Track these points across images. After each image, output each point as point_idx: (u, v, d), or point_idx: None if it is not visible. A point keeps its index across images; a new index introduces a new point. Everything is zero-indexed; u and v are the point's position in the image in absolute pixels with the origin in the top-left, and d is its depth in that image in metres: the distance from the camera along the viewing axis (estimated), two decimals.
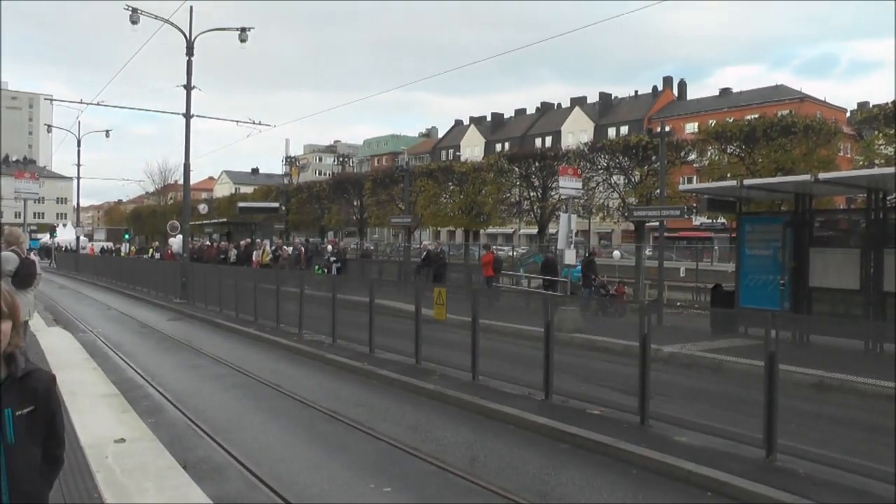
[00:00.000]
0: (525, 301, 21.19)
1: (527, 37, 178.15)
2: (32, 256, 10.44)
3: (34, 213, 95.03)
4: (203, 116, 42.82)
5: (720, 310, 16.46)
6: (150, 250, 51.27)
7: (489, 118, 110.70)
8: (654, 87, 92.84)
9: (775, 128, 24.90)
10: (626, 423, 8.58)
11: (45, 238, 76.50)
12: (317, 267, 30.16)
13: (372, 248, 45.52)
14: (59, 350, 14.17)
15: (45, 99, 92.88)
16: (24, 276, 9.83)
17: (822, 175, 14.99)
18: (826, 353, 9.86)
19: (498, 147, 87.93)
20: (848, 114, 65.41)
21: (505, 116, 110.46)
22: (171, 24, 26.57)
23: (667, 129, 24.06)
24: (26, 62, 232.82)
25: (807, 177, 14.86)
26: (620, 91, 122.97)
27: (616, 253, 45.25)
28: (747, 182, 16.24)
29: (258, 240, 35.83)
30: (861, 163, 26.01)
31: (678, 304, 24.18)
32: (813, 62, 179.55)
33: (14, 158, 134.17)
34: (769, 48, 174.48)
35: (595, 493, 6.84)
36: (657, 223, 23.62)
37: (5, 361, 2.59)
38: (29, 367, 2.64)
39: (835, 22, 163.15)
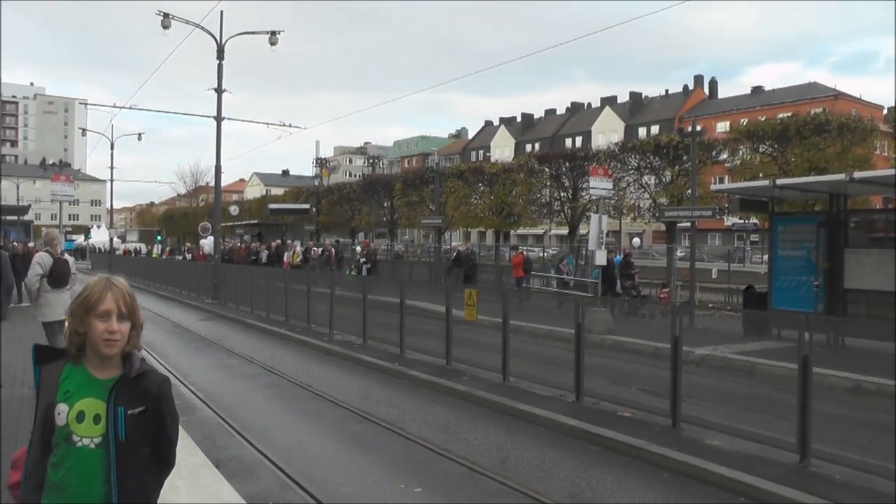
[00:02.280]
0: (556, 302, 21.16)
1: (558, 37, 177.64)
2: (66, 257, 10.64)
3: (69, 216, 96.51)
4: (234, 119, 43.22)
5: (753, 311, 16.28)
6: (183, 252, 51.78)
7: (519, 119, 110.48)
8: (685, 86, 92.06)
9: (808, 126, 24.59)
10: (658, 426, 8.52)
11: (79, 239, 77.56)
12: (347, 270, 30.26)
13: (402, 249, 45.39)
14: None
15: (80, 103, 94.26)
16: (57, 276, 10.05)
17: (858, 174, 14.77)
18: (862, 356, 9.71)
19: (528, 147, 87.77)
20: (885, 111, 64.36)
21: (535, 117, 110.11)
22: (202, 28, 26.83)
23: (698, 128, 23.84)
24: (62, 66, 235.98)
25: (841, 176, 14.64)
26: (652, 90, 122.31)
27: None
28: (780, 182, 16.04)
29: (289, 241, 36.09)
30: None
31: (710, 305, 23.96)
32: (850, 59, 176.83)
33: (50, 162, 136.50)
34: (804, 45, 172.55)
35: (626, 495, 6.79)
36: (688, 224, 23.44)
37: (122, 360, 2.69)
38: (143, 367, 2.72)
39: (872, 17, 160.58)
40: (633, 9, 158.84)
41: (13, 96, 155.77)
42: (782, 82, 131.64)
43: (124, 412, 2.62)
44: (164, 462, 2.79)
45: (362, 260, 30.65)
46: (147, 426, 2.68)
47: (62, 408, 2.60)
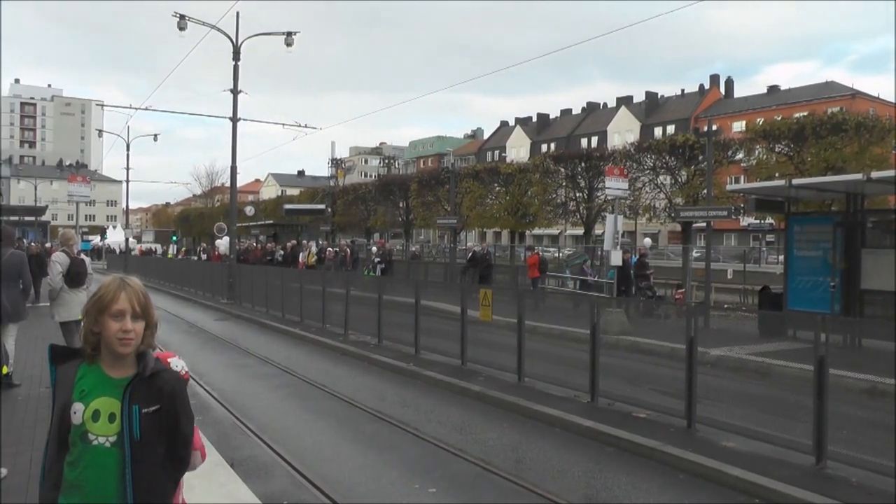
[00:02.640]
0: (571, 303, 21.12)
1: (575, 36, 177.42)
2: (83, 257, 10.74)
3: (86, 216, 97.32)
4: (250, 120, 43.62)
5: (768, 312, 16.20)
6: (199, 252, 52.03)
7: (535, 119, 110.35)
8: (701, 86, 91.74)
9: (825, 126, 24.38)
10: (673, 427, 8.50)
11: (95, 239, 78.05)
12: (366, 270, 30.31)
13: (418, 249, 45.17)
14: None
15: (97, 105, 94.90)
16: (74, 275, 10.15)
17: (875, 174, 14.64)
18: (879, 357, 9.63)
19: (544, 148, 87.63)
20: None
21: (550, 117, 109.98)
22: (219, 29, 26.96)
23: (714, 128, 23.71)
24: (79, 68, 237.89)
25: (859, 176, 14.53)
26: (668, 90, 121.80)
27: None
28: (796, 182, 15.93)
29: (304, 241, 36.20)
30: None
31: (725, 306, 23.83)
32: (868, 57, 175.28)
33: (67, 163, 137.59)
34: (821, 44, 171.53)
35: (641, 496, 6.78)
36: (704, 224, 23.35)
37: (136, 359, 2.72)
38: (158, 366, 2.75)
39: (891, 15, 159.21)
40: (651, 8, 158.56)
41: (31, 98, 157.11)
42: (799, 81, 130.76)
43: (139, 410, 2.64)
44: (179, 461, 2.81)
45: (377, 260, 30.67)
46: (162, 425, 2.70)
47: (78, 407, 2.63)
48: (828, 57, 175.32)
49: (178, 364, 3.13)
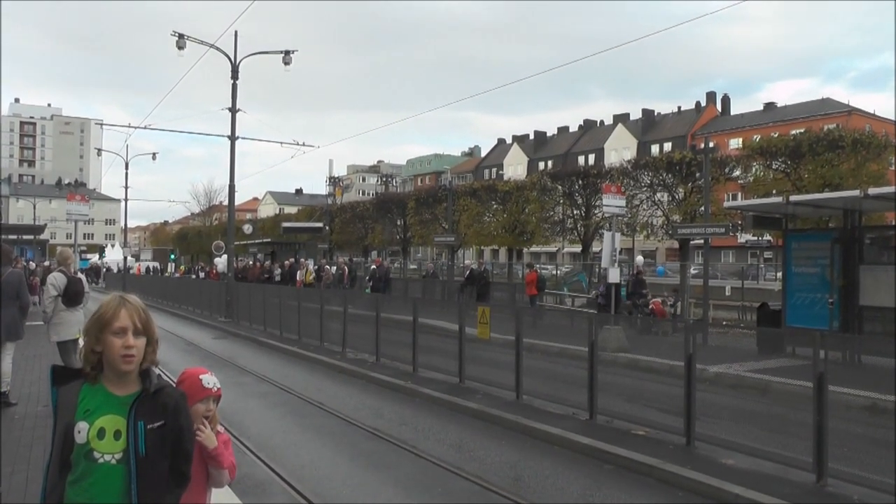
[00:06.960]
0: (569, 320, 21.07)
1: (576, 54, 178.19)
2: (80, 276, 10.71)
3: (84, 235, 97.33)
4: (248, 138, 43.71)
5: (767, 329, 16.18)
6: (196, 270, 51.98)
7: (532, 136, 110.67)
8: (698, 103, 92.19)
9: (822, 142, 24.48)
10: (672, 445, 8.46)
11: (94, 258, 78.03)
12: (368, 289, 30.24)
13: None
14: None
15: (96, 123, 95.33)
16: (72, 295, 10.12)
17: (872, 190, 14.68)
18: (879, 374, 9.61)
19: (541, 165, 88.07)
20: None
21: (548, 134, 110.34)
22: (217, 48, 27.02)
23: (710, 144, 23.78)
24: (79, 87, 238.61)
25: (856, 192, 14.57)
26: (667, 107, 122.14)
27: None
28: (793, 198, 15.98)
29: (302, 259, 36.20)
30: None
31: (724, 323, 23.82)
32: (868, 75, 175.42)
33: (66, 181, 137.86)
34: (822, 61, 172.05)
35: None
36: (702, 241, 23.38)
37: (140, 376, 2.74)
38: (161, 383, 2.78)
39: (892, 32, 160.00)
40: (652, 24, 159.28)
41: (31, 117, 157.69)
42: (799, 98, 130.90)
43: (144, 427, 2.66)
44: (180, 476, 2.81)
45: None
46: (166, 440, 2.71)
47: (82, 426, 2.64)
48: (828, 74, 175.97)
49: (209, 381, 3.15)
